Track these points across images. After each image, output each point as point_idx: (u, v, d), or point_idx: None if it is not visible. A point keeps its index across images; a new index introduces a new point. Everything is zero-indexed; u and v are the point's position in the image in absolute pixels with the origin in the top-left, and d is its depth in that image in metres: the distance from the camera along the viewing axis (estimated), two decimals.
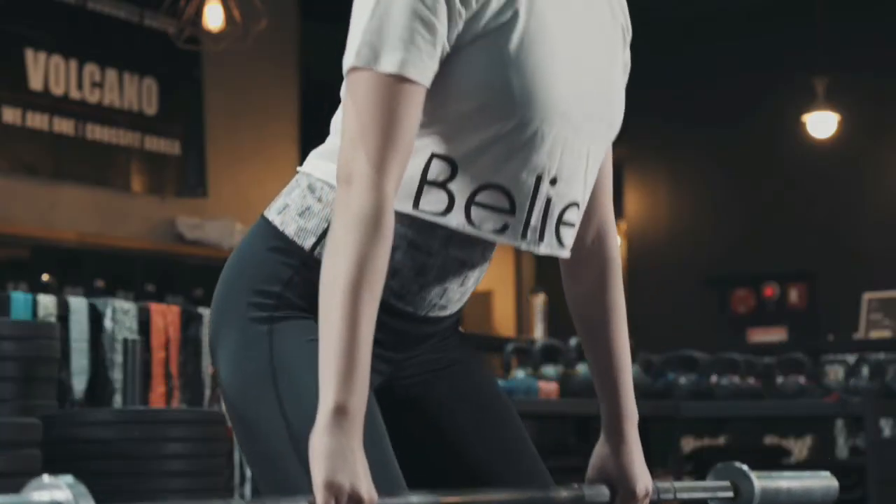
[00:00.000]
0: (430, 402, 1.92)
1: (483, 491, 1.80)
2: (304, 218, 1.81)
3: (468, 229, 1.75)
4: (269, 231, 1.83)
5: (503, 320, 10.99)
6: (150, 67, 8.56)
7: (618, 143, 1.94)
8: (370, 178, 1.63)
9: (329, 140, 1.85)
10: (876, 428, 5.52)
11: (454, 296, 1.86)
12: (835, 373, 6.10)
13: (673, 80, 10.28)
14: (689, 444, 7.71)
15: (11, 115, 7.79)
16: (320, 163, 1.83)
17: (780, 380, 6.04)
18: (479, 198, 1.74)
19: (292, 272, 1.80)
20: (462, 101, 1.72)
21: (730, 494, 2.02)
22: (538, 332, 8.01)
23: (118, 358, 4.46)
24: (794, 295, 10.42)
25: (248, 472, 5.08)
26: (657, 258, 10.04)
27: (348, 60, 1.68)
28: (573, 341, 6.01)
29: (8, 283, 7.55)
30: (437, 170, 1.73)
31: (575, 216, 1.84)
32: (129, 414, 3.80)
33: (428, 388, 1.92)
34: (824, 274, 10.14)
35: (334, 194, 1.76)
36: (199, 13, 7.07)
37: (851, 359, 6.28)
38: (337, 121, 1.84)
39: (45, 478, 1.37)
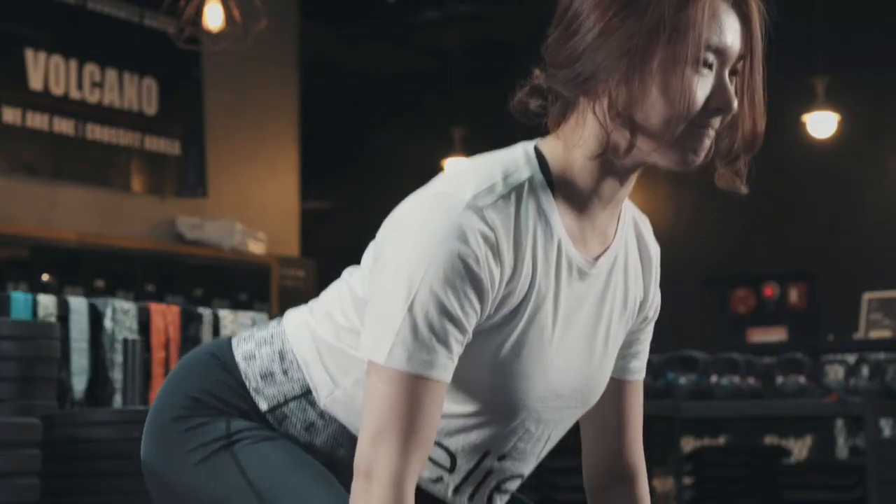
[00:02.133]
0: None
1: None
2: (265, 382, 1.81)
3: None
4: (232, 369, 1.83)
5: None
6: (150, 67, 8.57)
7: None
8: (392, 477, 1.60)
9: (319, 320, 1.82)
10: (876, 428, 5.52)
11: None
12: (835, 373, 6.09)
13: None
14: (688, 444, 7.71)
15: (11, 115, 7.79)
16: (303, 334, 1.81)
17: (780, 380, 6.04)
18: None
19: (249, 408, 1.81)
20: None
21: None
22: None
23: (118, 358, 4.46)
24: (794, 295, 10.42)
25: None
26: None
27: (378, 356, 1.63)
28: None
29: (8, 283, 7.56)
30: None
31: (514, 485, 1.83)
32: (129, 414, 3.79)
33: None
34: (824, 274, 10.14)
35: (301, 374, 1.79)
36: (199, 13, 7.07)
37: (851, 359, 6.27)
38: (328, 304, 1.82)
39: None
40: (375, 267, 1.67)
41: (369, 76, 11.79)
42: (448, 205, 1.63)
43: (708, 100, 1.66)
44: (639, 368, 1.91)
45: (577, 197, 1.71)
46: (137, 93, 8.51)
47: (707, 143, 1.68)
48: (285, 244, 9.42)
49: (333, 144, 11.57)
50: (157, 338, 4.65)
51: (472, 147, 10.48)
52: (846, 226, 10.02)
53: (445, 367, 1.63)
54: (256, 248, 8.97)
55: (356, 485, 1.62)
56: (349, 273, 1.81)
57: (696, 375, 6.10)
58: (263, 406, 1.80)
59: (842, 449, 7.21)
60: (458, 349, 1.64)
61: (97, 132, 8.25)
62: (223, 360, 1.84)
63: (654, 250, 1.89)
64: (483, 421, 1.73)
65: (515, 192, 1.66)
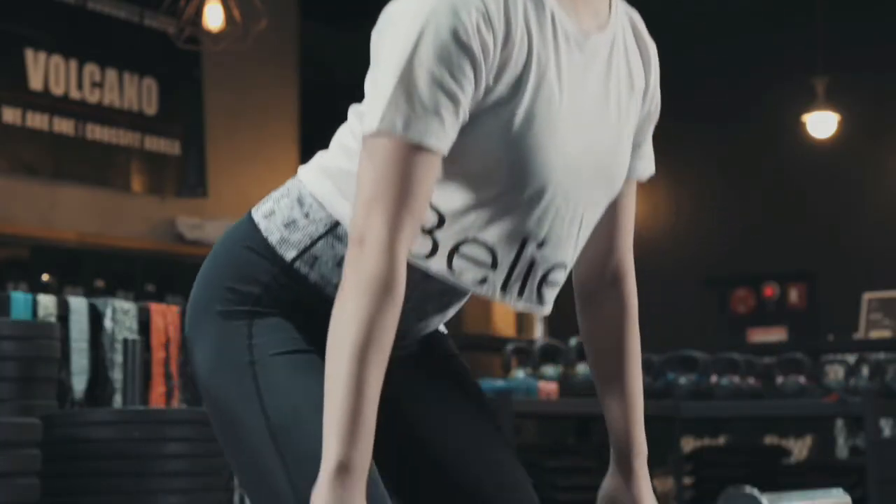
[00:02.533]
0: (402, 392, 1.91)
1: None
2: (289, 230, 1.83)
3: (448, 277, 1.77)
4: (253, 233, 1.87)
5: (503, 320, 11.00)
6: (150, 67, 8.56)
7: None
8: (383, 242, 1.64)
9: (330, 155, 1.86)
10: (876, 428, 5.52)
11: (434, 321, 1.88)
12: (835, 373, 6.09)
13: (673, 80, 10.25)
14: (688, 444, 7.71)
15: (11, 115, 7.79)
16: (317, 175, 1.85)
17: (780, 380, 6.04)
18: (463, 249, 1.76)
19: (271, 277, 1.83)
20: (456, 164, 1.72)
21: None
22: (538, 332, 8.02)
23: (118, 358, 4.46)
24: (794, 295, 10.42)
25: None
26: (657, 258, 10.03)
27: (371, 125, 1.67)
28: (573, 341, 6.01)
29: (8, 283, 7.56)
30: (426, 218, 1.74)
31: (561, 276, 1.85)
32: (129, 414, 3.80)
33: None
34: (824, 274, 10.14)
35: (323, 213, 1.81)
36: (199, 13, 7.07)
37: (851, 359, 6.27)
38: (339, 138, 1.87)
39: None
40: (373, 64, 1.72)
41: None
42: None
43: None
44: (637, 168, 1.96)
45: None
46: (137, 93, 8.51)
47: None
48: None
49: None
50: (157, 338, 4.65)
51: None
52: (846, 226, 10.02)
53: (437, 136, 1.66)
54: None
55: (349, 253, 1.65)
56: (355, 104, 1.86)
57: (696, 375, 6.11)
58: (291, 254, 1.82)
59: (842, 449, 7.22)
60: (451, 120, 1.67)
61: (97, 132, 8.25)
62: (245, 231, 1.88)
63: (652, 46, 1.94)
64: (512, 204, 1.75)
65: None
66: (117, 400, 4.45)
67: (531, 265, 1.80)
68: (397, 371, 1.79)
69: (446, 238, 1.75)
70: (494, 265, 1.78)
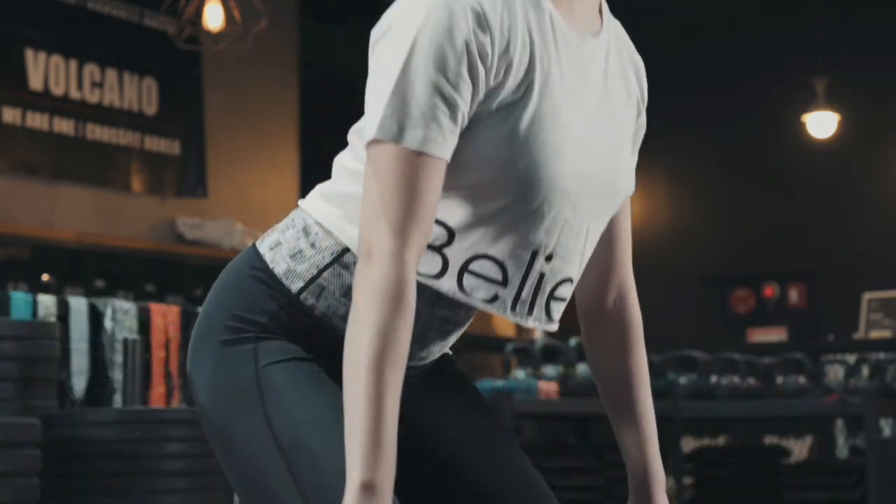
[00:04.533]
0: (418, 417, 1.88)
1: None
2: (295, 260, 1.80)
3: (459, 296, 1.75)
4: (259, 264, 1.82)
5: (503, 320, 10.99)
6: (150, 67, 8.56)
7: None
8: (391, 253, 1.62)
9: (332, 181, 1.84)
10: (876, 428, 5.52)
11: (435, 349, 1.85)
12: (835, 373, 6.10)
13: (673, 80, 10.27)
14: (689, 444, 7.71)
15: (11, 115, 7.78)
16: (320, 203, 1.82)
17: (779, 380, 6.04)
18: (473, 266, 1.74)
19: (278, 307, 1.80)
20: (465, 174, 1.71)
21: None
22: (538, 332, 8.00)
23: (118, 358, 4.46)
24: (794, 295, 10.42)
25: None
26: (657, 258, 10.03)
27: (370, 133, 1.66)
28: (573, 341, 6.01)
29: (8, 283, 7.55)
30: (435, 234, 1.72)
31: (567, 291, 1.83)
32: (129, 414, 3.80)
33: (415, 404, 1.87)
34: (824, 274, 10.14)
35: (329, 241, 1.78)
36: (199, 13, 7.07)
37: (851, 359, 6.28)
38: (341, 162, 1.84)
39: None
40: (370, 73, 1.71)
41: None
42: None
43: None
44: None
45: None
46: (137, 93, 8.50)
47: None
48: None
49: (333, 144, 11.57)
50: (157, 338, 4.65)
51: None
52: (846, 226, 10.02)
53: (436, 142, 1.65)
54: None
55: (358, 268, 1.63)
56: (355, 126, 1.84)
57: (696, 375, 6.11)
58: (298, 285, 1.79)
59: (842, 449, 7.22)
60: (450, 126, 1.66)
61: (97, 132, 8.25)
62: (250, 261, 1.83)
63: (640, 62, 1.94)
64: (520, 215, 1.73)
65: None
66: (117, 400, 4.45)
67: (540, 280, 1.78)
68: (408, 392, 1.77)
69: (456, 255, 1.73)
70: (505, 282, 1.75)
